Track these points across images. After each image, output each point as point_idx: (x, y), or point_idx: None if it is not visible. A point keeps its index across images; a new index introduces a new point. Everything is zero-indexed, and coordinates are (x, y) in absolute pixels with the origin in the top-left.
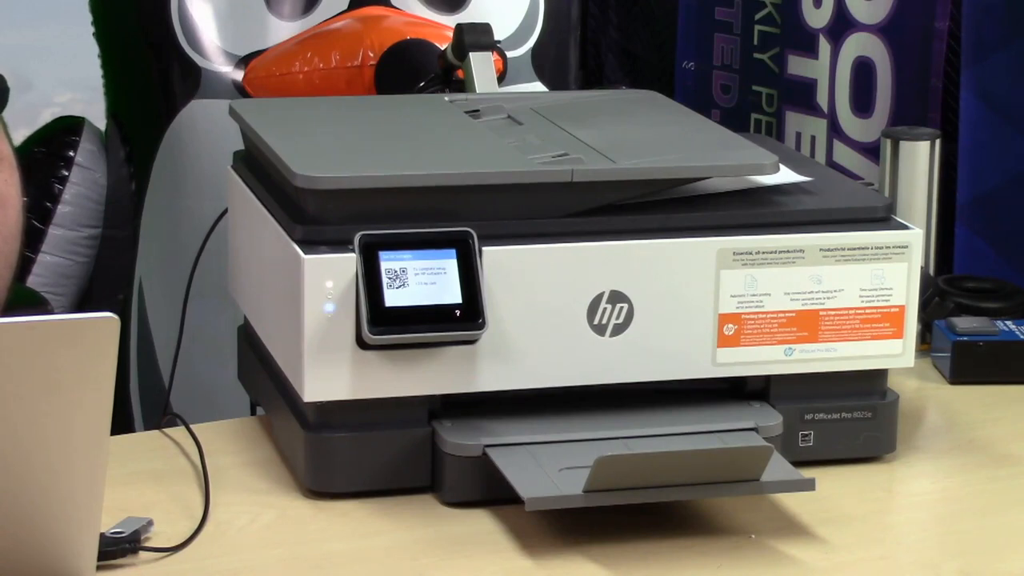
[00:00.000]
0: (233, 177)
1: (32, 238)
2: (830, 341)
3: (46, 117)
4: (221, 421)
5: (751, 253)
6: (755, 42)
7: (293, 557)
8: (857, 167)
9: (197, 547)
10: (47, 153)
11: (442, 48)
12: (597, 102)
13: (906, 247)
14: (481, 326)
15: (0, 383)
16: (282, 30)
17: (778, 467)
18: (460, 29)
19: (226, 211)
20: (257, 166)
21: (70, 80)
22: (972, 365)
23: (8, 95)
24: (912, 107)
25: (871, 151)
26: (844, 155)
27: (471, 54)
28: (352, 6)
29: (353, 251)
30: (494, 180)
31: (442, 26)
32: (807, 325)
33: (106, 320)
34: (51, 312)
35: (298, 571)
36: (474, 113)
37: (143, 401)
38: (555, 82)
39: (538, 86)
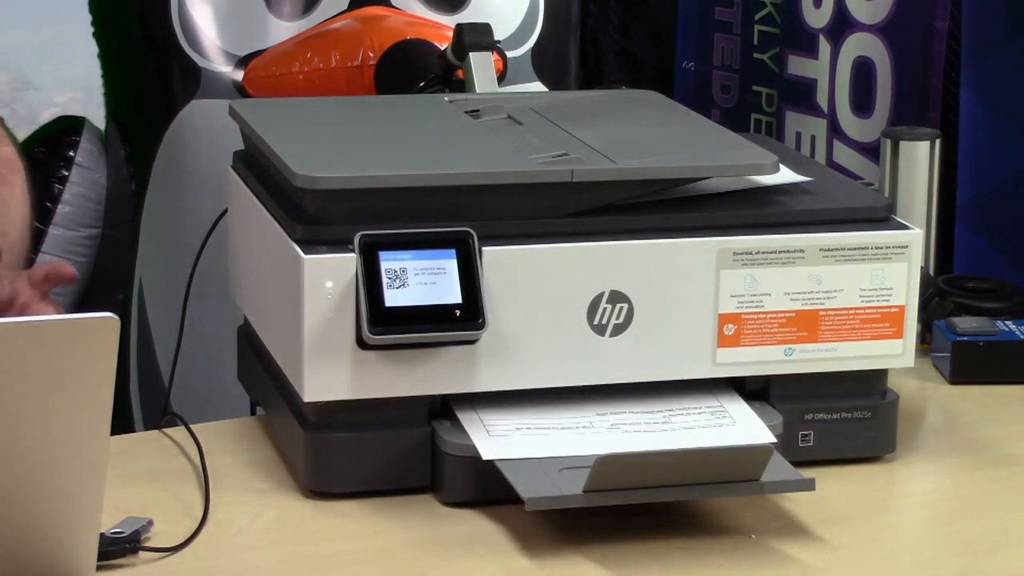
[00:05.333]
0: (233, 177)
1: (32, 238)
2: (830, 341)
3: (46, 117)
4: (221, 421)
5: (751, 253)
6: (755, 42)
7: (293, 557)
8: (857, 167)
9: (197, 547)
10: (47, 153)
11: (442, 48)
12: (597, 102)
13: (906, 247)
14: (481, 326)
15: (0, 383)
16: (282, 30)
17: (778, 467)
18: (460, 29)
19: (226, 211)
20: (257, 166)
21: (70, 80)
22: (972, 365)
23: None
24: (912, 107)
25: (871, 151)
26: (844, 155)
27: (471, 54)
28: (352, 6)
29: (353, 251)
30: (494, 180)
31: (442, 26)
32: (807, 325)
33: (106, 320)
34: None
35: (298, 571)
36: (474, 113)
37: (143, 401)
38: (555, 82)
39: (538, 86)
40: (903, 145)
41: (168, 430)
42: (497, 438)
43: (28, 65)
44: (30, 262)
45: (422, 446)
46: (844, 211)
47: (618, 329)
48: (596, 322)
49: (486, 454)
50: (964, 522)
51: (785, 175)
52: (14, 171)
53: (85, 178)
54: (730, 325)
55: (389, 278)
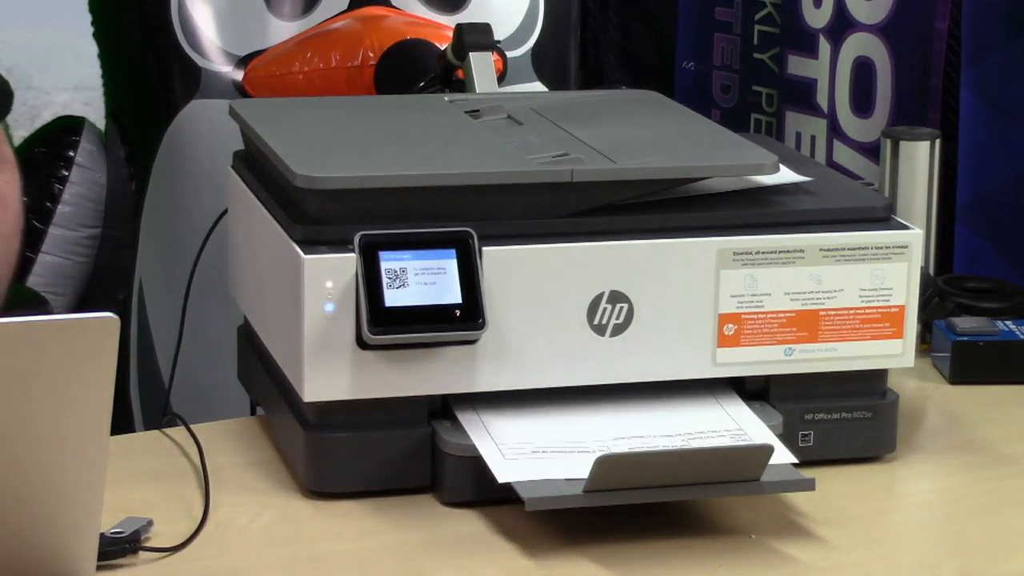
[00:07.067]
0: (233, 177)
1: (32, 238)
2: (830, 341)
3: (46, 117)
4: (221, 421)
5: (751, 253)
6: (755, 42)
7: (293, 557)
8: (857, 167)
9: (197, 547)
10: (47, 153)
11: (442, 48)
12: (597, 102)
13: (906, 247)
14: (481, 326)
15: (0, 383)
16: (282, 30)
17: (778, 467)
18: (460, 29)
19: (226, 211)
20: (257, 166)
21: (70, 80)
22: (972, 365)
23: (12, 100)
24: (912, 107)
25: (871, 151)
26: (844, 155)
27: (471, 54)
28: (352, 6)
29: (353, 251)
30: (494, 180)
31: (442, 26)
32: (807, 325)
33: (106, 320)
34: (51, 312)
35: (298, 571)
36: (474, 113)
37: (143, 401)
38: (555, 82)
39: (538, 86)
40: (903, 145)
41: (168, 430)
42: (512, 461)
43: (28, 65)
44: (28, 260)
45: (422, 446)
46: (844, 211)
47: (618, 329)
48: (596, 322)
49: (502, 477)
50: (964, 522)
51: (785, 175)
52: (15, 173)
53: (85, 178)
54: (730, 325)
55: (389, 278)
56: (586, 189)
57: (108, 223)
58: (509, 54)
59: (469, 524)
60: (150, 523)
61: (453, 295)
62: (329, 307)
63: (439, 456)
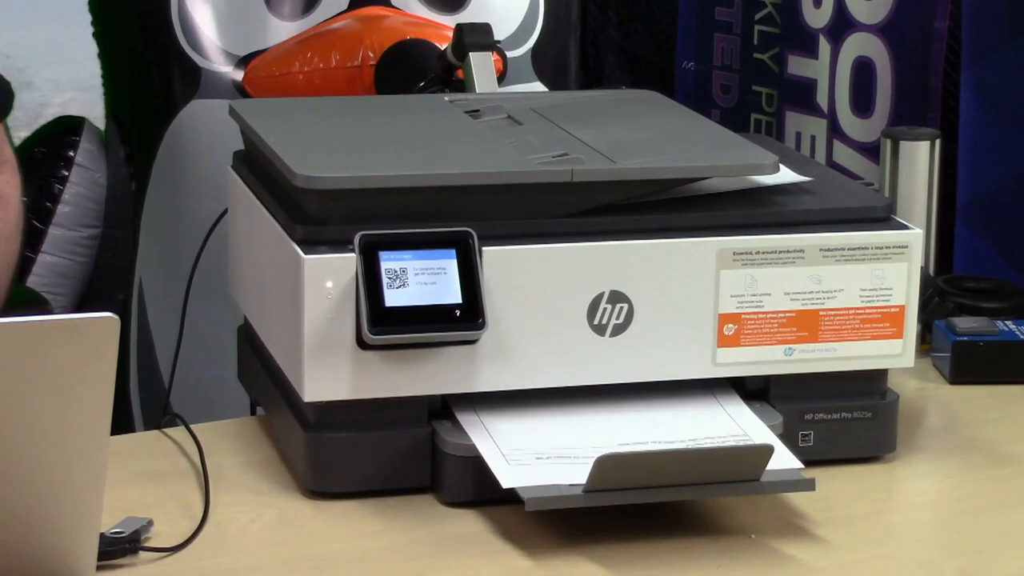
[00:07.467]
0: (233, 177)
1: (32, 238)
2: (830, 341)
3: (46, 117)
4: (221, 421)
5: (751, 253)
6: (755, 42)
7: (293, 557)
8: (857, 167)
9: (197, 547)
10: (47, 153)
11: (442, 48)
12: (597, 102)
13: (906, 247)
14: (481, 326)
15: (0, 383)
16: (282, 30)
17: (778, 467)
18: (460, 29)
19: (226, 211)
20: (257, 166)
21: (70, 80)
22: (972, 365)
23: (12, 100)
24: (912, 107)
25: (871, 151)
26: (844, 155)
27: (471, 54)
28: (352, 6)
29: (353, 251)
30: (494, 180)
31: (442, 26)
32: (807, 325)
33: (106, 320)
34: (51, 312)
35: (298, 571)
36: (474, 113)
37: (143, 401)
38: (555, 82)
39: (538, 86)
40: (903, 145)
41: (168, 430)
42: (516, 466)
43: (28, 65)
44: (28, 260)
45: (422, 446)
46: (844, 211)
47: (618, 329)
48: (596, 322)
49: (506, 483)
50: (964, 522)
51: (785, 175)
52: (15, 173)
53: (85, 178)
54: (730, 325)
55: (389, 278)
56: (586, 189)
57: (108, 223)
58: (509, 54)
59: (469, 524)
60: (150, 523)
61: (453, 295)
62: (329, 307)
63: (439, 456)
